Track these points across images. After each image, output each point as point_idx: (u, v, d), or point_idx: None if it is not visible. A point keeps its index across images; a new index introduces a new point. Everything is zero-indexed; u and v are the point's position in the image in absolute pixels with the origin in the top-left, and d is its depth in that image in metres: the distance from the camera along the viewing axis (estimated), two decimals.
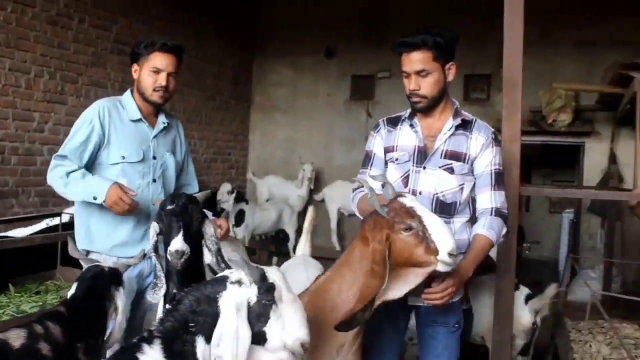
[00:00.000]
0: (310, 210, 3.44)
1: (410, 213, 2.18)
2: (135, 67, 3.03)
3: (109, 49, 7.31)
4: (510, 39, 3.18)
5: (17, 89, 6.16)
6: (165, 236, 2.51)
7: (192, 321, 1.82)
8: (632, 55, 7.47)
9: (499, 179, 2.68)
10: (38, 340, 2.07)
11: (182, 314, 1.83)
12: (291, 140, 10.28)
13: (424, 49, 2.55)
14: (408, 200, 2.25)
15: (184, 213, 2.51)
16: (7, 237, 4.46)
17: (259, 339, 1.82)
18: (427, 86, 2.60)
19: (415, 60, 2.58)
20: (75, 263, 3.99)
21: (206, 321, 1.82)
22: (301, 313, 1.88)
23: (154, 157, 3.05)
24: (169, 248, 2.43)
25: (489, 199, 2.63)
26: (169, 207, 2.51)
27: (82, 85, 6.94)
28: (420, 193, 2.68)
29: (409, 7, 9.26)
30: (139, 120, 3.03)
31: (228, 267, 2.45)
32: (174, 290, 2.53)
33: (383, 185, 2.38)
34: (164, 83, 2.95)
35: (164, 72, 2.95)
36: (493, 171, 2.67)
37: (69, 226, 4.31)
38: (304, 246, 3.74)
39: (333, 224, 9.50)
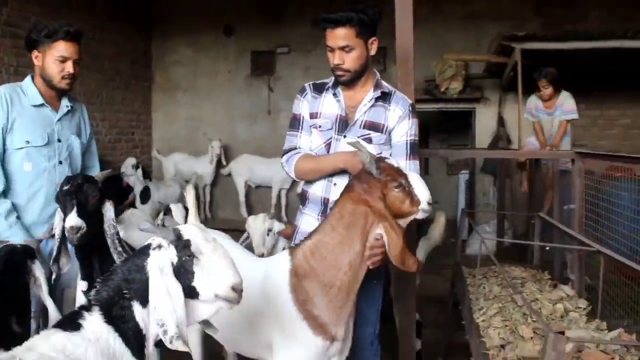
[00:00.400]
0: (190, 189, 3.48)
1: (399, 172, 2.42)
2: (36, 53, 3.03)
3: (1, 32, 7.09)
4: (401, 15, 3.32)
5: None
6: (64, 215, 2.58)
7: (125, 288, 1.92)
8: (512, 28, 8.08)
9: (414, 149, 2.81)
10: None
11: (115, 283, 1.93)
12: (194, 118, 10.32)
13: (348, 26, 2.63)
14: (394, 161, 2.49)
15: (78, 192, 2.58)
16: None
17: (192, 294, 1.93)
18: (350, 61, 2.68)
19: (339, 36, 2.65)
20: None
21: (139, 287, 1.92)
22: (224, 260, 1.95)
23: (59, 140, 3.11)
24: (64, 224, 2.54)
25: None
26: (65, 187, 2.60)
27: None
28: None
29: None
30: (42, 105, 3.07)
31: (125, 250, 2.63)
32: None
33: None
34: (71, 71, 3.01)
35: (70, 60, 2.99)
36: (408, 141, 2.79)
37: None
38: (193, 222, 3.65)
39: (241, 197, 9.68)
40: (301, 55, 9.76)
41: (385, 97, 2.80)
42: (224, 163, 9.69)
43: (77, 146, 3.21)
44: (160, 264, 1.93)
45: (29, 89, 3.06)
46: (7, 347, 2.08)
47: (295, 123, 2.93)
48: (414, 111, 2.82)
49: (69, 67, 2.99)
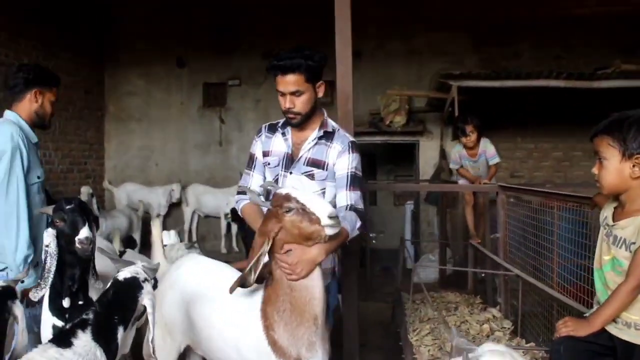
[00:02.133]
0: (156, 223, 3.71)
1: (287, 197, 2.53)
2: (29, 96, 3.35)
3: None
4: (341, 61, 3.59)
5: None
6: (71, 231, 2.75)
7: (116, 315, 2.28)
8: (451, 64, 8.56)
9: (355, 181, 2.93)
10: None
11: (110, 309, 2.28)
12: (147, 148, 10.47)
13: (297, 73, 2.78)
14: (284, 189, 2.61)
15: (83, 208, 2.83)
16: None
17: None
18: (300, 104, 2.86)
19: (289, 82, 2.81)
20: None
21: (126, 315, 2.31)
22: None
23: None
24: (78, 237, 2.72)
25: (345, 197, 2.91)
26: (69, 206, 2.80)
27: None
28: None
29: (257, 17, 9.83)
30: (37, 142, 3.43)
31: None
32: (88, 277, 2.89)
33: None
34: (53, 110, 3.50)
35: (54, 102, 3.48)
36: (349, 174, 2.93)
37: None
38: (160, 256, 3.78)
39: (186, 225, 9.93)
40: (252, 88, 10.06)
41: (328, 135, 2.98)
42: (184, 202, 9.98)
43: None
44: (152, 297, 2.38)
45: (26, 128, 3.34)
46: None
47: (249, 162, 3.19)
48: (354, 147, 2.97)
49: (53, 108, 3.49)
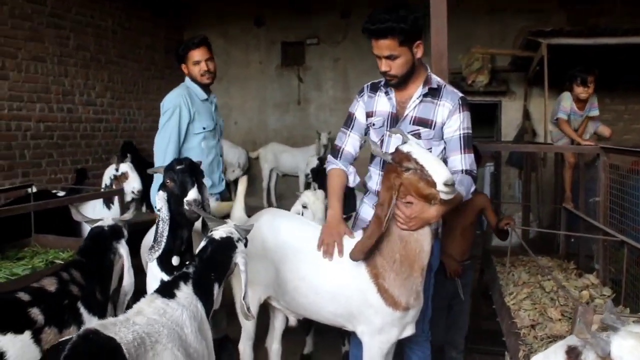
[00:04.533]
0: (243, 180, 3.78)
1: (407, 156, 2.56)
2: (183, 66, 4.04)
3: (45, 24, 7.37)
4: (436, 14, 3.52)
5: None
6: (180, 192, 2.80)
7: (213, 271, 2.41)
8: (537, 21, 8.19)
9: (468, 143, 2.88)
10: (68, 284, 2.48)
11: (208, 267, 2.40)
12: (226, 107, 10.54)
13: (390, 37, 2.72)
14: (406, 147, 2.60)
15: (193, 170, 2.86)
16: None
17: None
18: (396, 67, 2.81)
19: (383, 46, 2.76)
20: (48, 230, 4.31)
21: (222, 272, 2.46)
22: None
23: (216, 124, 4.09)
24: (186, 198, 2.75)
25: (459, 161, 2.86)
26: (179, 167, 2.83)
27: (22, 60, 7.00)
28: None
29: None
30: (205, 99, 4.01)
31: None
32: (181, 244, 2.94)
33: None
34: (205, 68, 3.93)
35: (203, 61, 3.92)
36: (462, 135, 2.87)
37: (39, 196, 4.60)
38: (241, 212, 3.82)
39: (264, 183, 10.02)
40: (330, 46, 9.99)
41: (435, 92, 2.90)
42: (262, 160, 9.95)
43: (220, 128, 4.19)
44: (245, 256, 2.49)
45: (195, 88, 4.00)
46: (94, 313, 2.44)
47: (347, 121, 3.17)
48: (464, 104, 2.89)
49: (203, 66, 3.93)
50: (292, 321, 3.35)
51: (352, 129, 3.13)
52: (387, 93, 3.01)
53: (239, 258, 2.46)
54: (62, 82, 7.68)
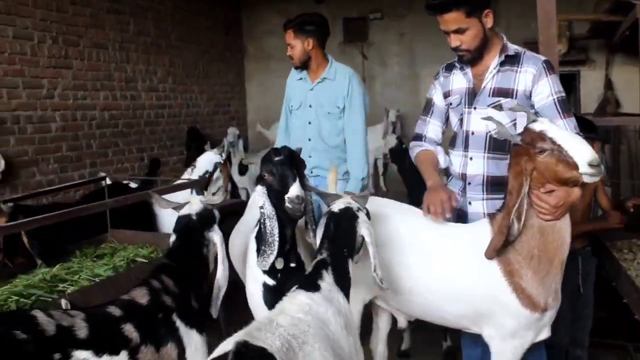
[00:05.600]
0: (333, 169, 3.52)
1: (541, 136, 2.25)
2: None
3: (105, 9, 7.23)
4: None
5: (23, 56, 6.10)
6: (280, 187, 2.47)
7: (345, 247, 2.28)
8: None
9: (565, 106, 2.62)
10: (160, 294, 2.21)
11: (338, 244, 2.27)
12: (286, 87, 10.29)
13: (455, 10, 2.56)
14: (537, 125, 2.30)
15: (294, 161, 2.53)
16: (58, 203, 4.56)
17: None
18: (467, 41, 2.63)
19: (449, 20, 2.59)
20: (124, 225, 4.11)
21: (352, 246, 2.31)
22: None
23: (310, 106, 3.77)
24: (288, 195, 2.41)
25: (562, 128, 2.50)
26: (277, 158, 2.50)
27: (84, 47, 6.87)
28: (472, 133, 2.75)
29: None
30: (300, 79, 3.85)
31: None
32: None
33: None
34: (287, 53, 3.78)
35: (288, 46, 3.76)
36: (556, 100, 2.60)
37: (112, 188, 4.38)
38: None
39: None
40: (395, 21, 9.59)
41: (513, 59, 2.67)
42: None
43: (321, 113, 3.72)
44: (369, 225, 2.34)
45: (292, 70, 3.92)
46: (191, 325, 2.17)
47: (426, 107, 3.00)
48: (549, 67, 2.64)
49: (288, 50, 3.77)
50: (402, 322, 3.02)
51: (431, 115, 2.96)
52: (462, 69, 2.81)
53: (362, 229, 2.31)
54: (125, 69, 7.54)
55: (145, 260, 3.46)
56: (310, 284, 2.07)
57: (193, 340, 2.20)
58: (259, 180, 2.57)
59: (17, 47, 6.02)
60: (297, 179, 2.46)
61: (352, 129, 3.69)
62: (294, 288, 2.07)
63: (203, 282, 2.44)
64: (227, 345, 1.68)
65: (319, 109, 3.74)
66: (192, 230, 2.47)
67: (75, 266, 3.41)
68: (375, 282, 2.28)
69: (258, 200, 2.55)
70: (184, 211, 2.53)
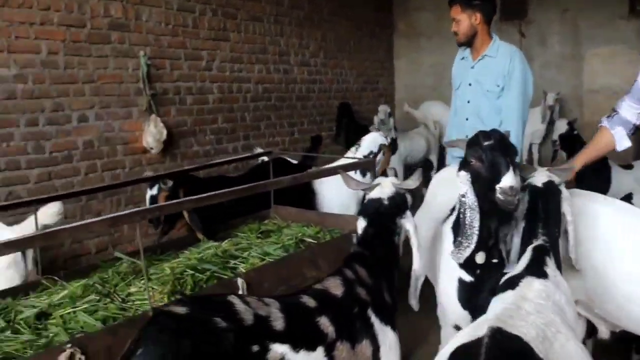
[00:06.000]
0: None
1: None
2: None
3: None
4: None
5: (185, 28, 6.17)
6: (490, 175, 2.23)
7: (556, 228, 2.23)
8: None
9: None
10: (354, 286, 2.03)
11: (549, 224, 2.20)
12: (439, 65, 9.78)
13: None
14: None
15: (507, 147, 2.28)
16: (222, 176, 4.55)
17: None
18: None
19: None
20: (286, 201, 4.00)
21: (559, 225, 2.26)
22: None
23: (469, 84, 3.72)
24: (501, 185, 2.17)
25: None
26: (487, 142, 2.26)
27: (242, 20, 6.87)
28: None
29: None
30: (462, 58, 3.90)
31: None
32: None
33: None
34: (452, 29, 3.76)
35: (453, 21, 3.73)
36: None
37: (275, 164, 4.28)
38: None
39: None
40: None
41: None
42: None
43: (480, 92, 3.59)
44: (569, 200, 2.27)
45: (459, 50, 3.96)
46: (386, 322, 1.98)
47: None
48: None
49: (453, 26, 3.73)
50: (605, 333, 2.69)
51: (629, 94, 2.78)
52: None
53: (565, 206, 2.25)
54: (279, 42, 7.49)
55: (313, 241, 3.32)
56: (538, 271, 1.99)
57: (388, 337, 2.02)
58: (463, 165, 2.32)
59: (180, 19, 6.09)
60: (511, 167, 2.19)
61: (506, 106, 3.49)
62: (521, 272, 2.00)
63: (395, 273, 2.24)
64: (476, 329, 1.61)
65: (478, 87, 3.55)
66: (383, 215, 2.27)
67: (243, 242, 3.34)
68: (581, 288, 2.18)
69: (460, 188, 2.30)
70: (374, 194, 2.33)
